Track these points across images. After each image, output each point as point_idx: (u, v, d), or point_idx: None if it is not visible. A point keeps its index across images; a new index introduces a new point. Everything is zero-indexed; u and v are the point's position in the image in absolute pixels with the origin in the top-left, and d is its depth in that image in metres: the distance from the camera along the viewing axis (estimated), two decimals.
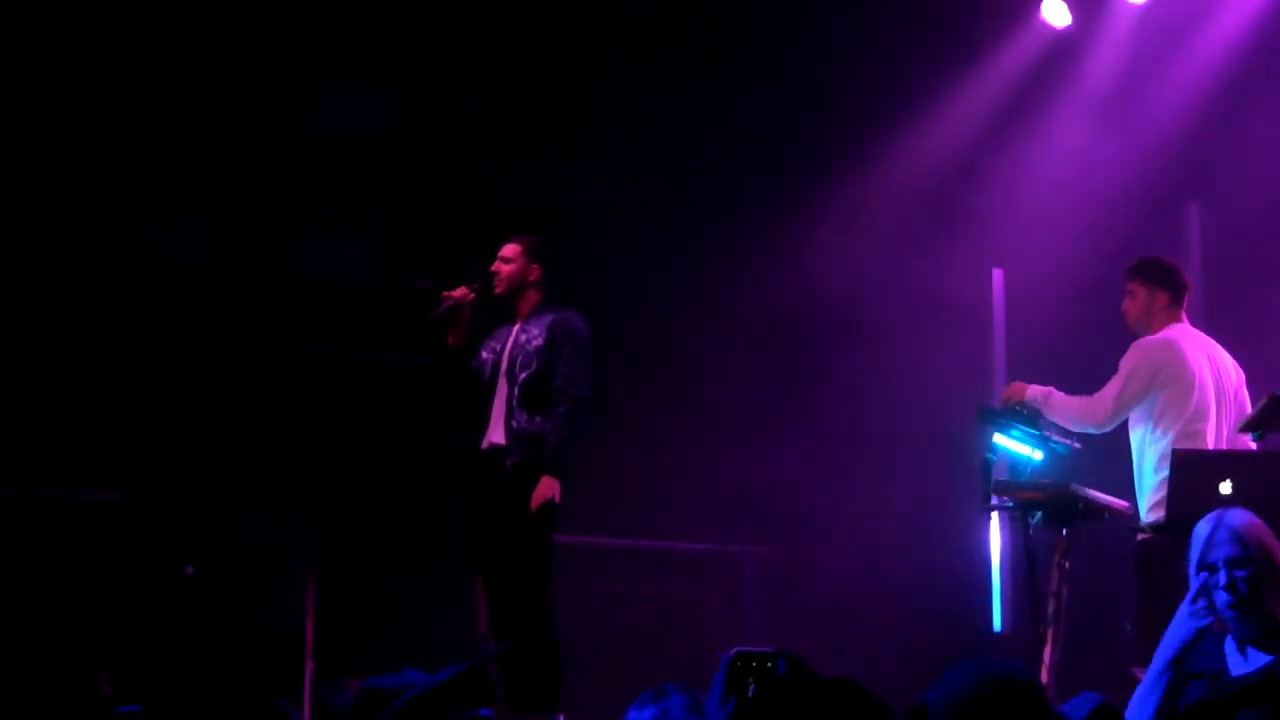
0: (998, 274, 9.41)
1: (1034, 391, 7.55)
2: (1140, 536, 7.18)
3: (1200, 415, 7.32)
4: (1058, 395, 7.53)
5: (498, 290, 7.52)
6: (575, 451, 7.37)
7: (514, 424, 7.33)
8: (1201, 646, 4.64)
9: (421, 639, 9.48)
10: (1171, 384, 7.32)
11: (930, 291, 10.09)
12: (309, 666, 8.52)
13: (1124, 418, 7.43)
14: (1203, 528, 4.71)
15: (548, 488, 7.23)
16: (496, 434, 7.37)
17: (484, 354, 7.53)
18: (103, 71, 9.51)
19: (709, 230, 10.28)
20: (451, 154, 10.24)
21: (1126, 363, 7.41)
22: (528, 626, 7.26)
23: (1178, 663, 4.61)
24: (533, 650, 7.23)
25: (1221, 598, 4.61)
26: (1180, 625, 4.64)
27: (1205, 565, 4.64)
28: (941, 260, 10.08)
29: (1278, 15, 9.50)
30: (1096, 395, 7.45)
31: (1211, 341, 7.58)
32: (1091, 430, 7.51)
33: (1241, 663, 4.63)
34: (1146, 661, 4.74)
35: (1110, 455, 7.57)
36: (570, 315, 7.48)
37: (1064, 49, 9.93)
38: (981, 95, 10.03)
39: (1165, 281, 7.57)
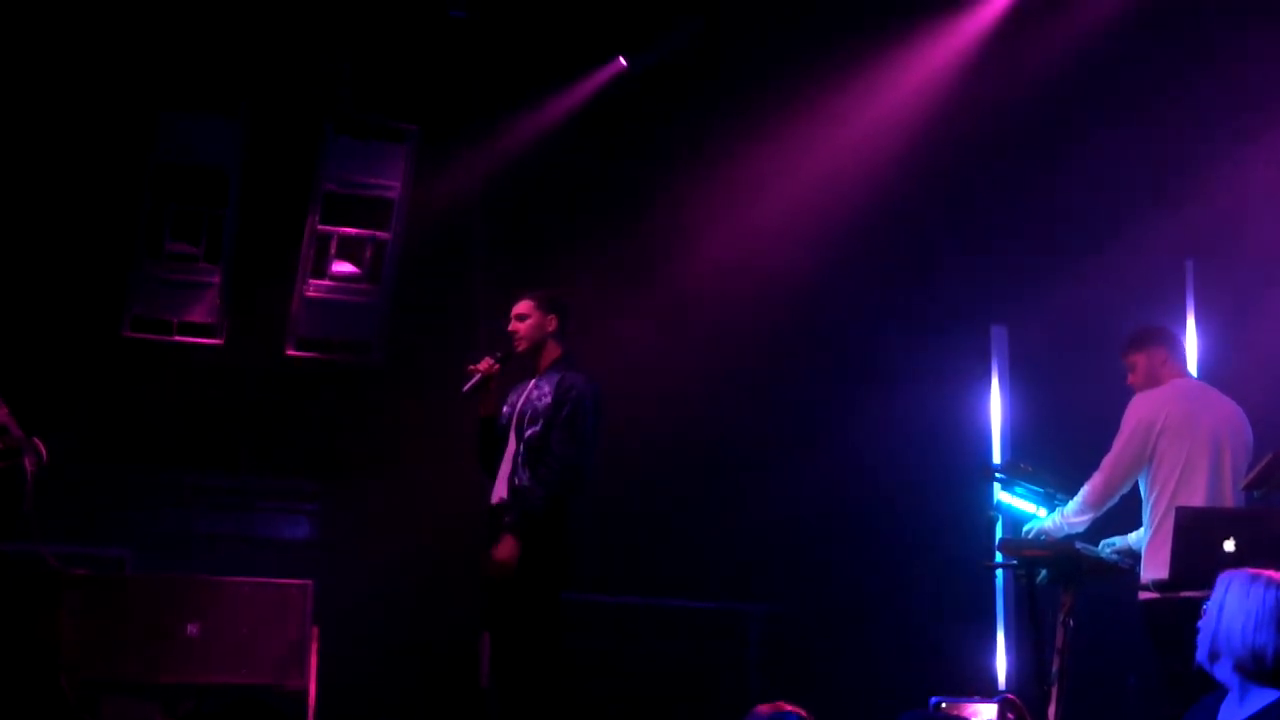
0: (999, 330, 9.46)
1: (1052, 528, 7.40)
2: (1144, 595, 7.10)
3: (1195, 468, 7.14)
4: (1070, 507, 7.38)
5: (519, 349, 7.47)
6: (569, 511, 7.24)
7: (516, 481, 7.27)
8: (1201, 704, 4.63)
9: (423, 695, 9.48)
10: (1165, 434, 7.18)
11: (933, 347, 10.14)
12: None
13: (1130, 478, 7.27)
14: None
15: (508, 547, 7.14)
16: (502, 489, 7.33)
17: (505, 408, 7.49)
18: None
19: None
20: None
21: (1126, 421, 7.29)
22: (529, 684, 7.19)
23: None
24: (533, 709, 7.17)
25: None
26: None
27: None
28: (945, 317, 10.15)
29: None
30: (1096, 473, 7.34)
31: (1217, 395, 7.42)
32: (1108, 504, 7.35)
33: (1238, 709, 4.59)
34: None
35: (1117, 513, 7.52)
36: (579, 378, 7.38)
37: None
38: None
39: (1158, 339, 7.48)
